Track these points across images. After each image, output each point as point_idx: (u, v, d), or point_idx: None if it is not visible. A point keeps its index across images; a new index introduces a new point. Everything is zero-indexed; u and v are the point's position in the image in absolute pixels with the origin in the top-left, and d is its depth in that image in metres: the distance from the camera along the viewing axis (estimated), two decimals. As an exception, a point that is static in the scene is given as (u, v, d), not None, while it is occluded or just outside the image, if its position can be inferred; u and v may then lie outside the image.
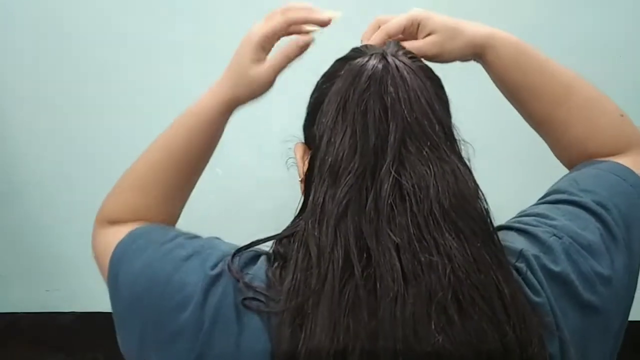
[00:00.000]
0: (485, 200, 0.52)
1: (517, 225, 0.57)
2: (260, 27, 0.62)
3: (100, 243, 0.65)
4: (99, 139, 1.61)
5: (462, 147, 0.56)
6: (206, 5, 1.48)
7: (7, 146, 1.64)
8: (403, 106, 0.51)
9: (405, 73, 0.52)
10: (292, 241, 0.53)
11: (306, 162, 0.59)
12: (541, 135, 0.69)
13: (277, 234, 0.56)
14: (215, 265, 0.52)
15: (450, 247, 0.47)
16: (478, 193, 0.52)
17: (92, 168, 1.64)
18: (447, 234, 0.47)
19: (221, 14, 1.49)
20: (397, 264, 0.46)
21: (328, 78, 0.58)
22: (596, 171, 0.62)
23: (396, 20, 0.62)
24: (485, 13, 1.42)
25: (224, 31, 1.51)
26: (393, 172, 0.49)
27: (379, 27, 0.63)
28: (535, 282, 0.51)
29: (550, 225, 0.56)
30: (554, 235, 0.54)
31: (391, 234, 0.47)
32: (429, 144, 0.51)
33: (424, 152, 0.50)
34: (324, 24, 0.62)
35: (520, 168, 1.49)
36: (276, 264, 0.53)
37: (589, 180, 0.61)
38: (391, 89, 0.51)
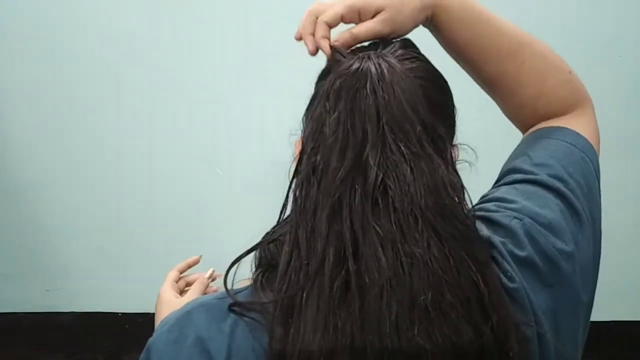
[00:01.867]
0: (465, 200, 0.53)
1: (480, 213, 0.57)
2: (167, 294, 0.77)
3: None
4: (99, 139, 1.62)
5: (458, 150, 0.57)
6: (206, 6, 1.49)
7: (7, 146, 1.64)
8: (384, 105, 0.52)
9: (387, 74, 0.53)
10: (279, 243, 0.54)
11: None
12: (492, 97, 0.69)
13: (266, 237, 0.56)
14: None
15: (431, 248, 0.48)
16: (457, 192, 0.52)
17: (92, 168, 1.64)
18: (426, 234, 0.48)
19: (221, 14, 1.49)
20: (383, 258, 0.47)
21: (321, 77, 0.60)
22: (547, 141, 0.63)
23: (331, 9, 0.60)
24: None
25: (224, 31, 1.51)
26: (375, 168, 0.50)
27: (316, 17, 0.60)
28: (509, 268, 0.52)
29: (510, 209, 0.56)
30: (515, 218, 0.55)
31: (377, 228, 0.48)
32: (409, 143, 0.51)
33: (403, 150, 0.51)
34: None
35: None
36: (259, 270, 0.54)
37: (541, 152, 0.61)
38: (372, 88, 0.52)
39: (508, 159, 0.65)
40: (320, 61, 0.62)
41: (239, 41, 1.50)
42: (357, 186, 0.50)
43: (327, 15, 0.60)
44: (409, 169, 0.50)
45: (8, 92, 1.58)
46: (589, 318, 0.58)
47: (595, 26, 1.46)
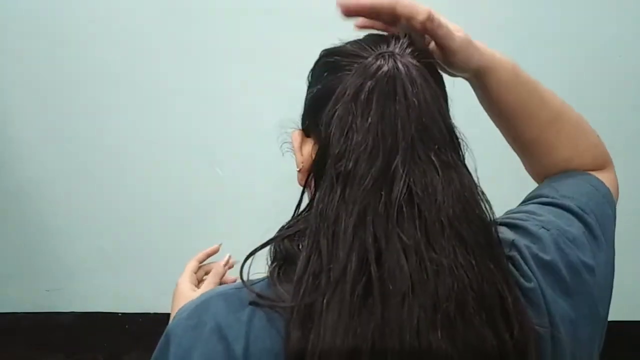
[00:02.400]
0: (491, 208, 0.53)
1: (507, 220, 0.59)
2: (185, 286, 0.77)
3: None
4: (99, 139, 1.62)
5: (465, 150, 0.57)
6: (206, 6, 1.49)
7: (8, 146, 1.64)
8: (414, 111, 0.51)
9: (416, 77, 0.52)
10: (296, 240, 0.53)
11: (306, 153, 0.59)
12: (521, 155, 0.71)
13: (282, 233, 0.56)
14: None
15: (456, 255, 0.48)
16: (483, 201, 0.53)
17: (92, 168, 1.64)
18: (452, 242, 0.48)
19: (221, 14, 1.49)
20: (406, 268, 0.47)
21: (331, 70, 0.57)
22: (574, 180, 0.65)
23: (413, 5, 0.55)
24: (486, 12, 1.43)
25: (225, 31, 1.51)
26: (404, 176, 0.49)
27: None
28: (527, 269, 0.53)
29: (539, 220, 0.58)
30: (543, 227, 0.57)
31: (401, 236, 0.48)
32: (437, 149, 0.51)
33: (433, 158, 0.50)
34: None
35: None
36: (275, 264, 0.53)
37: (568, 187, 0.64)
38: (403, 92, 0.51)
39: (536, 188, 0.67)
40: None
41: (239, 41, 1.50)
42: (382, 194, 0.49)
43: (409, 8, 0.55)
44: (437, 177, 0.50)
45: (9, 92, 1.59)
46: (604, 336, 0.59)
47: (596, 26, 1.46)
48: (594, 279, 0.56)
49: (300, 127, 0.63)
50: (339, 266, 0.48)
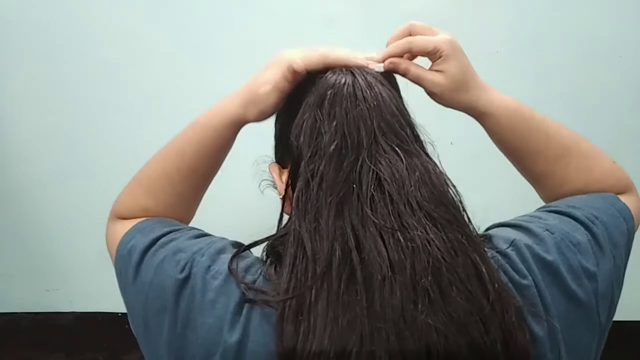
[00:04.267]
0: (456, 189, 0.57)
1: (511, 221, 0.62)
2: (295, 58, 0.61)
3: (109, 236, 0.69)
4: (100, 139, 1.62)
5: (431, 148, 0.61)
6: (207, 6, 1.49)
7: (7, 146, 1.64)
8: (375, 111, 0.56)
9: (372, 82, 0.58)
10: (285, 241, 0.55)
11: (285, 179, 0.63)
12: (534, 186, 0.73)
13: (272, 235, 0.59)
14: (183, 268, 0.56)
15: (428, 233, 0.51)
16: (448, 182, 0.56)
17: (92, 168, 1.64)
18: (424, 221, 0.51)
19: (221, 14, 1.49)
20: (384, 250, 0.50)
21: (292, 99, 0.62)
22: (587, 195, 0.67)
23: (423, 41, 0.62)
24: (486, 14, 1.43)
25: (224, 31, 1.51)
26: (371, 166, 0.53)
27: (409, 33, 0.64)
28: (523, 267, 0.55)
29: (544, 223, 0.60)
30: (547, 230, 0.58)
31: (376, 221, 0.51)
32: (399, 142, 0.56)
33: (396, 149, 0.55)
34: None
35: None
36: (269, 261, 0.56)
37: (579, 201, 0.65)
38: (362, 96, 0.56)
39: (546, 204, 0.69)
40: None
41: (239, 41, 1.50)
42: (354, 185, 0.52)
43: (416, 43, 0.63)
44: (402, 165, 0.54)
45: (9, 91, 1.59)
46: (601, 346, 0.59)
47: (596, 27, 1.46)
48: (594, 285, 0.56)
49: (274, 160, 0.66)
50: (323, 258, 0.50)
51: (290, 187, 0.60)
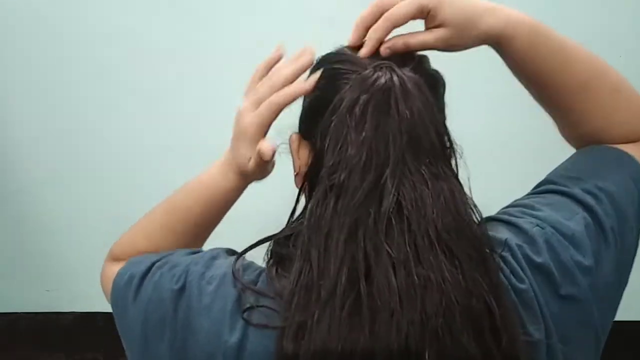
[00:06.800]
0: (481, 219, 0.54)
1: (503, 217, 0.58)
2: (250, 119, 0.60)
3: (105, 275, 0.70)
4: (99, 139, 1.61)
5: (459, 154, 0.57)
6: (206, 6, 1.49)
7: (7, 146, 1.64)
8: (405, 123, 0.51)
9: (410, 89, 0.52)
10: (291, 245, 0.54)
11: (303, 157, 0.60)
12: (554, 119, 0.67)
13: (276, 234, 0.57)
14: (179, 279, 0.55)
15: (444, 269, 0.48)
16: (474, 213, 0.53)
17: (92, 169, 1.64)
18: (441, 256, 0.48)
19: (221, 14, 1.49)
20: (394, 282, 0.47)
21: (329, 79, 0.57)
22: (593, 159, 0.62)
23: (403, 8, 0.56)
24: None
25: (224, 31, 1.51)
26: (393, 190, 0.49)
27: (381, 13, 0.57)
28: (519, 270, 0.53)
29: (534, 216, 0.57)
30: (537, 225, 0.55)
31: (390, 251, 0.48)
32: (427, 162, 0.51)
33: (422, 171, 0.51)
34: (305, 69, 0.61)
35: (516, 166, 1.49)
36: (272, 261, 0.54)
37: (582, 167, 0.61)
38: (396, 106, 0.51)
39: (553, 170, 0.64)
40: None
41: (239, 41, 1.50)
42: (373, 209, 0.49)
43: (397, 14, 0.56)
44: (427, 189, 0.50)
45: (9, 92, 1.58)
46: (602, 341, 0.57)
47: (595, 26, 1.46)
48: (589, 280, 0.54)
49: (297, 130, 0.63)
50: (329, 281, 0.48)
51: (306, 175, 0.58)
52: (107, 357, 1.74)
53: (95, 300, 1.77)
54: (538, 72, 0.61)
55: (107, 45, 1.52)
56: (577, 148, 0.67)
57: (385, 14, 0.57)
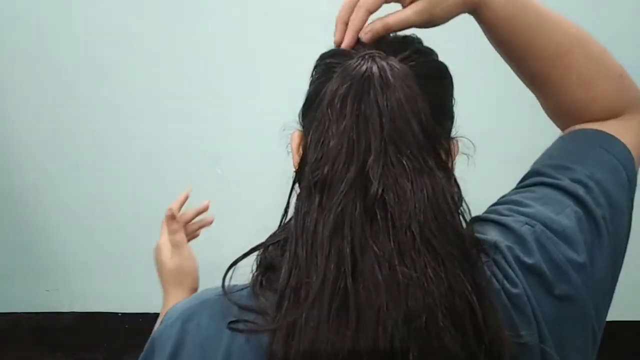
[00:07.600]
0: (465, 213, 0.52)
1: (492, 216, 0.57)
2: (165, 257, 0.79)
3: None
4: (99, 139, 1.62)
5: (458, 144, 0.56)
6: (206, 6, 1.49)
7: (7, 146, 1.64)
8: (387, 116, 0.50)
9: (390, 78, 0.51)
10: (282, 247, 0.53)
11: (301, 151, 0.59)
12: (535, 94, 0.66)
13: (266, 241, 0.56)
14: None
15: (426, 267, 0.47)
16: (457, 206, 0.52)
17: (92, 168, 1.64)
18: (423, 253, 0.48)
19: (221, 14, 1.49)
20: (380, 278, 0.47)
21: (323, 72, 0.57)
22: (579, 144, 0.61)
23: None
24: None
25: (224, 32, 1.51)
26: (376, 184, 0.49)
27: (355, 5, 0.57)
28: (512, 274, 0.52)
29: (523, 214, 0.55)
30: (526, 224, 0.54)
31: (375, 248, 0.48)
32: (410, 153, 0.50)
33: (404, 163, 0.50)
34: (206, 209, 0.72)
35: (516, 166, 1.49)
36: (258, 272, 0.53)
37: (569, 155, 0.60)
38: (374, 94, 0.50)
39: (538, 158, 0.63)
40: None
41: (238, 41, 1.50)
42: (357, 203, 0.49)
43: (368, 1, 0.56)
44: (409, 183, 0.49)
45: (8, 93, 1.59)
46: (599, 335, 0.56)
47: (595, 26, 1.45)
48: (584, 277, 0.53)
49: (300, 128, 0.63)
50: (317, 280, 0.48)
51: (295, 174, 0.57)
52: (107, 357, 1.74)
53: (95, 300, 1.78)
54: (515, 39, 0.60)
55: (107, 45, 1.52)
56: (562, 129, 0.66)
57: (358, 3, 0.57)
